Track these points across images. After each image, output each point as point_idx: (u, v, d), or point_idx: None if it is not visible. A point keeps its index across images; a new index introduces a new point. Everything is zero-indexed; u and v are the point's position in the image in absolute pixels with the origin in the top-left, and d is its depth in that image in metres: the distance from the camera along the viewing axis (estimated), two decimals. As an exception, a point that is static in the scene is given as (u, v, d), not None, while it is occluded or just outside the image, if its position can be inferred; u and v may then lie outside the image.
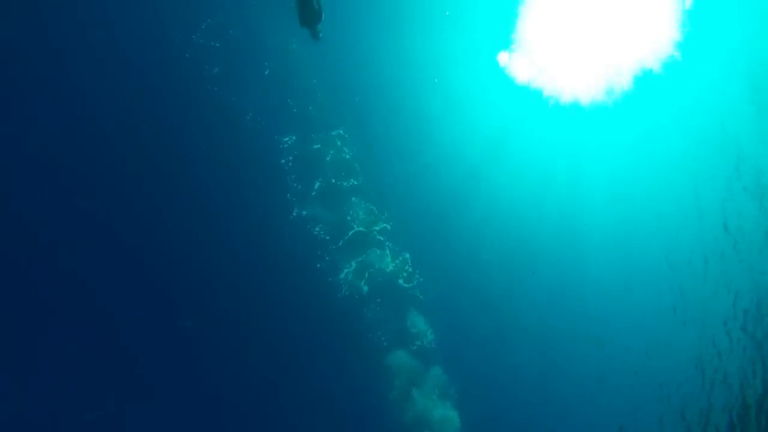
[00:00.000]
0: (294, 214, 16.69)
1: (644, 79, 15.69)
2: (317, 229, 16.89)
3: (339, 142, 16.87)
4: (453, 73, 16.17)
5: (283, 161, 16.73)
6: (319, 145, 17.11)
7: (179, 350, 16.46)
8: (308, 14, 9.65)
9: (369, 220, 17.03)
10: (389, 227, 17.09)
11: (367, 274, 17.02)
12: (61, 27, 13.66)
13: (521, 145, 16.83)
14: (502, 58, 15.75)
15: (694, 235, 14.86)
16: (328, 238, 17.08)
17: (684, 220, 15.51)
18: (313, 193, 16.97)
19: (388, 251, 16.97)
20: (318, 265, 16.86)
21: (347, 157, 17.16)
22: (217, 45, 15.01)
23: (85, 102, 14.24)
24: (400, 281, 16.85)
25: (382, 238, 16.99)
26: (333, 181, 17.12)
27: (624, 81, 15.84)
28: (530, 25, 15.60)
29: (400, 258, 17.15)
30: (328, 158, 17.03)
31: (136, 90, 14.55)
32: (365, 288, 16.63)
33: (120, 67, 14.15)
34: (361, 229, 17.18)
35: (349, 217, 17.18)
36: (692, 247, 14.73)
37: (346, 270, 16.95)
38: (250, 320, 16.62)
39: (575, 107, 16.24)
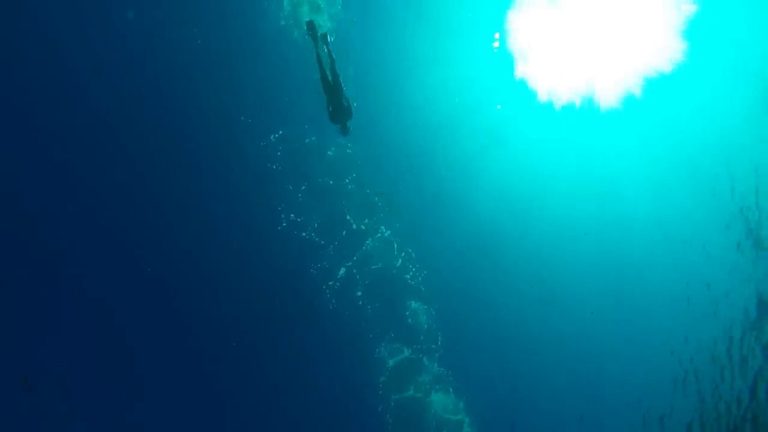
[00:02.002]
0: (294, 212, 15.04)
1: (645, 82, 15.11)
2: (307, 233, 15.50)
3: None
4: (456, 73, 14.48)
5: (275, 165, 14.33)
6: (314, 138, 14.72)
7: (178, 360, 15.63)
8: (339, 112, 9.89)
9: (371, 220, 15.89)
10: (396, 225, 16.11)
11: (358, 274, 16.46)
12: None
13: (522, 145, 16.07)
14: (507, 59, 14.36)
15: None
16: (322, 242, 15.81)
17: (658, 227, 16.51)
18: (308, 191, 15.15)
19: (395, 247, 16.27)
20: (318, 264, 15.91)
21: (349, 152, 15.12)
22: (200, 41, 11.32)
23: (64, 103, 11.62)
24: (407, 277, 16.57)
25: (387, 234, 16.11)
26: (331, 182, 15.25)
27: (625, 84, 15.18)
28: (535, 27, 14.08)
29: (404, 253, 16.61)
30: (330, 153, 14.90)
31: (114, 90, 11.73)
32: (372, 285, 16.24)
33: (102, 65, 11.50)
34: (362, 227, 16.04)
35: (349, 216, 15.83)
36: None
37: (345, 267, 16.19)
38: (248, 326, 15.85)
39: (577, 110, 15.50)
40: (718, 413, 14.60)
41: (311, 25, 9.65)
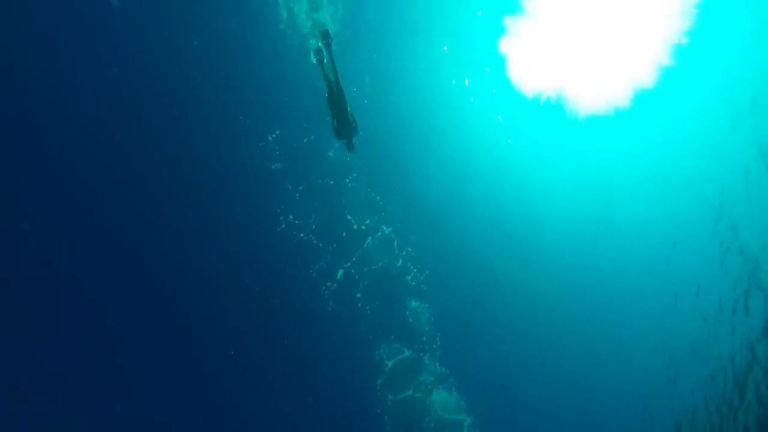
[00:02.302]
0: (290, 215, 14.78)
1: (647, 82, 15.11)
2: (305, 234, 15.27)
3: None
4: (456, 74, 14.32)
5: (273, 166, 13.99)
6: (313, 137, 14.40)
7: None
8: (344, 129, 9.87)
9: (372, 220, 15.74)
10: (398, 224, 15.97)
11: (357, 274, 16.32)
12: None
13: (522, 147, 16.00)
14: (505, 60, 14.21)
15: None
16: (321, 244, 15.59)
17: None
18: (308, 191, 14.88)
19: (395, 245, 16.14)
20: (317, 265, 15.71)
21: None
22: (196, 43, 10.87)
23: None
24: (408, 278, 16.50)
25: (388, 231, 15.97)
26: (331, 182, 15.00)
27: (626, 84, 15.16)
28: (533, 28, 13.88)
29: (405, 252, 16.49)
30: (330, 153, 14.61)
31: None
32: (371, 285, 16.16)
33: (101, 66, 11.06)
34: (362, 227, 15.85)
35: (350, 216, 15.61)
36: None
37: (343, 269, 16.04)
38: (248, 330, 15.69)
39: (579, 111, 15.46)
40: (708, 413, 14.95)
41: (319, 52, 9.53)
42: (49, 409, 14.77)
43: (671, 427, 15.81)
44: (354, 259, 16.09)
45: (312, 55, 9.81)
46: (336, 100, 9.34)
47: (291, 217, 15.13)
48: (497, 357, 17.10)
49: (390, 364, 16.69)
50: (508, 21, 13.67)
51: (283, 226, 14.95)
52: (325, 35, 9.44)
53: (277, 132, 14.13)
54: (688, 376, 15.75)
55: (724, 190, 16.04)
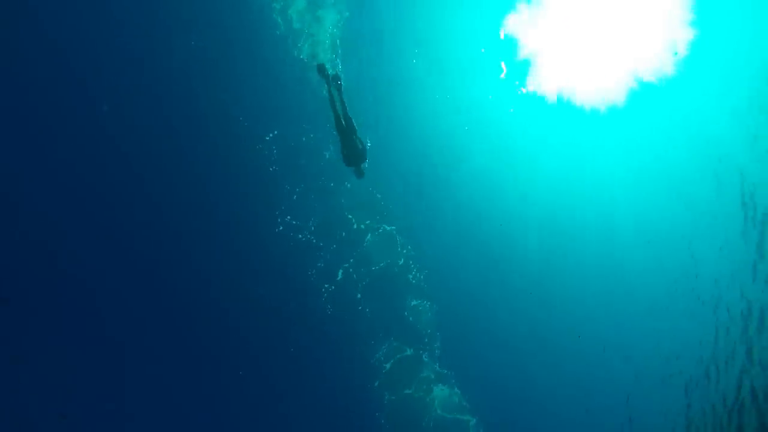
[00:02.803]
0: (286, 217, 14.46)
1: (648, 84, 14.98)
2: (304, 235, 14.99)
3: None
4: (457, 75, 14.10)
5: (272, 167, 13.61)
6: (311, 136, 14.04)
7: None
8: (353, 154, 9.79)
9: (372, 220, 15.52)
10: (399, 223, 15.78)
11: (355, 274, 16.12)
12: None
13: (523, 146, 15.80)
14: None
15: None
16: (321, 243, 15.32)
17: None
18: (308, 191, 14.56)
19: (397, 242, 15.97)
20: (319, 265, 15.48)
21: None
22: (194, 43, 10.40)
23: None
24: (409, 276, 16.36)
25: (391, 229, 15.77)
26: (331, 184, 14.68)
27: (627, 85, 15.03)
28: (535, 27, 13.64)
29: (405, 251, 16.31)
30: (327, 154, 14.25)
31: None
32: (372, 284, 16.00)
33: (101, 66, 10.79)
34: (362, 226, 15.60)
35: (350, 216, 15.34)
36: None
37: (342, 269, 15.84)
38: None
39: (577, 110, 15.30)
40: (704, 412, 15.19)
41: (322, 68, 9.47)
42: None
43: (668, 424, 16.06)
44: (352, 260, 15.89)
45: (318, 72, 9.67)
46: (344, 128, 9.38)
47: (289, 217, 14.81)
48: (497, 356, 17.16)
49: (388, 366, 16.65)
50: (509, 25, 13.43)
51: (281, 227, 14.64)
52: (335, 78, 9.60)
53: (275, 132, 13.73)
54: (683, 375, 15.95)
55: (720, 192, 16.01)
